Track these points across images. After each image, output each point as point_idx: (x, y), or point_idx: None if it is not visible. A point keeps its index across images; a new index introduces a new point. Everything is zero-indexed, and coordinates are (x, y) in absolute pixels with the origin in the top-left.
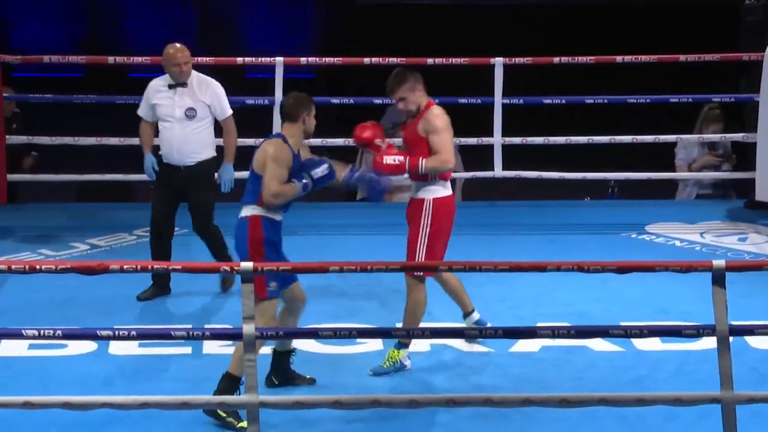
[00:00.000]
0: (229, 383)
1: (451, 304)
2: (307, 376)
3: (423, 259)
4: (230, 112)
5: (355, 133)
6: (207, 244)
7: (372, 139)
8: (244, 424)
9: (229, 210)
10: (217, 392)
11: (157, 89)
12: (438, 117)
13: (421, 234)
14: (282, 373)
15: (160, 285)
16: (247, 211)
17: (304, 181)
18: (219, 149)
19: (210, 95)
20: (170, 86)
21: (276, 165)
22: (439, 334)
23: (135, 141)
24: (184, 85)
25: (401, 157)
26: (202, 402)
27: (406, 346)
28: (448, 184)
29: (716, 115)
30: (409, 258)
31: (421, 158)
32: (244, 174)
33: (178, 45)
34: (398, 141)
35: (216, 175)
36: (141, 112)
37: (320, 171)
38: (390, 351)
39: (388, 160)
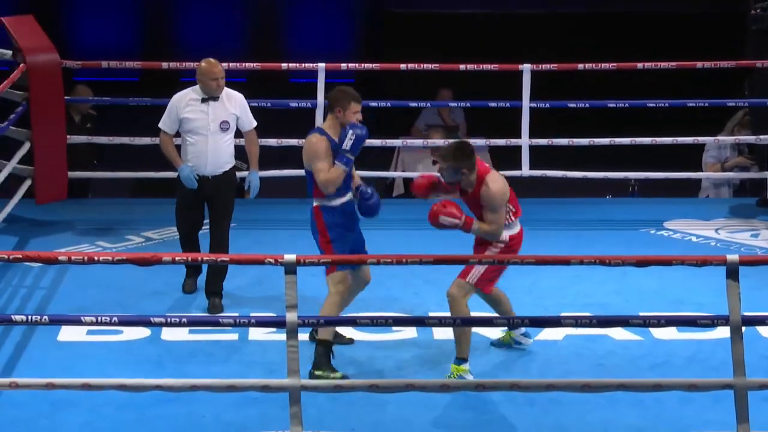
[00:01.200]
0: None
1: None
2: (346, 336)
3: (476, 279)
4: (255, 122)
5: (413, 189)
6: (215, 244)
7: (427, 195)
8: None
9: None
10: (314, 365)
11: (187, 103)
12: (496, 193)
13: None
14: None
15: (194, 274)
16: (313, 203)
17: (344, 157)
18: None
19: (239, 107)
20: (203, 100)
21: (316, 158)
22: (469, 322)
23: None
24: (216, 98)
25: (456, 220)
26: (246, 385)
27: (465, 360)
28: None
29: (749, 121)
30: (464, 272)
31: (475, 222)
32: (276, 173)
33: (212, 60)
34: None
35: (246, 181)
36: (165, 125)
37: (350, 139)
38: (452, 367)
39: (444, 220)
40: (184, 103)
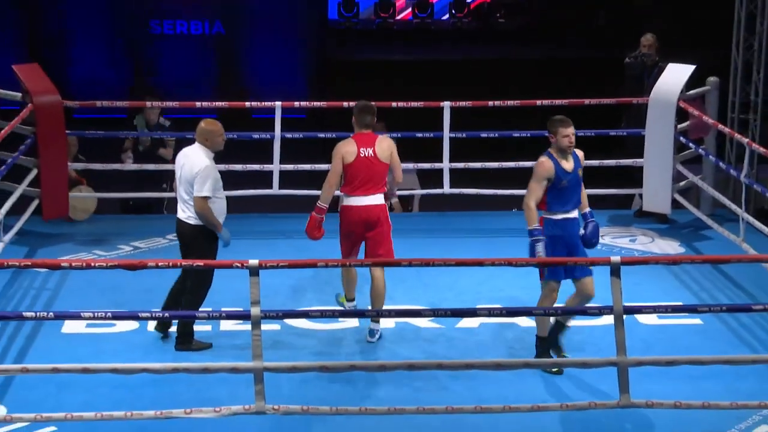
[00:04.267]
0: (543, 343)
1: (411, 290)
2: (563, 351)
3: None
4: None
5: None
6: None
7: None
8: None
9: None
10: (537, 355)
11: (212, 164)
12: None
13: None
14: (550, 340)
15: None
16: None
17: (538, 233)
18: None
19: None
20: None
21: (533, 177)
22: (402, 314)
23: (168, 167)
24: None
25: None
26: (218, 368)
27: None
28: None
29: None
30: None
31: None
32: (240, 192)
33: (210, 119)
34: None
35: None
36: (210, 192)
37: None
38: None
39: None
40: (212, 165)
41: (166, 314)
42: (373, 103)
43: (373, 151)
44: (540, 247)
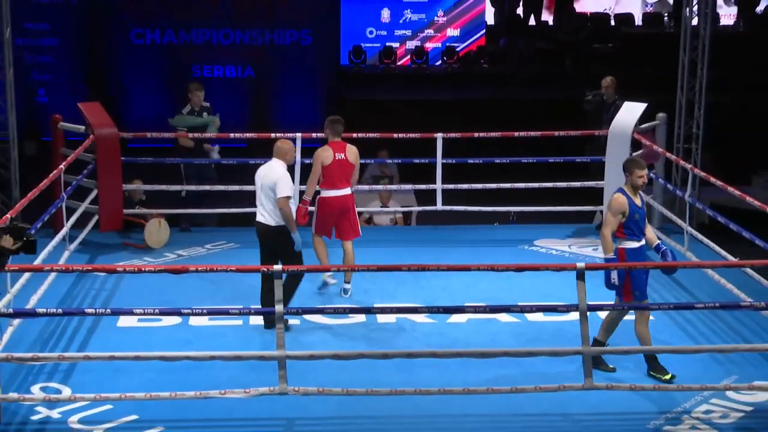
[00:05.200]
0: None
1: (410, 291)
2: (610, 365)
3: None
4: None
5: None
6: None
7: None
8: (668, 375)
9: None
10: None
11: (287, 173)
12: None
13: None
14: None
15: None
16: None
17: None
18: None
19: None
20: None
21: (608, 211)
22: (401, 311)
23: (204, 187)
24: None
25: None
26: (248, 356)
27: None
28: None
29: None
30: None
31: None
32: None
33: (285, 140)
34: None
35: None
36: (291, 192)
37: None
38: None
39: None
40: (288, 174)
41: (205, 310)
42: (378, 134)
43: (345, 156)
44: (614, 275)
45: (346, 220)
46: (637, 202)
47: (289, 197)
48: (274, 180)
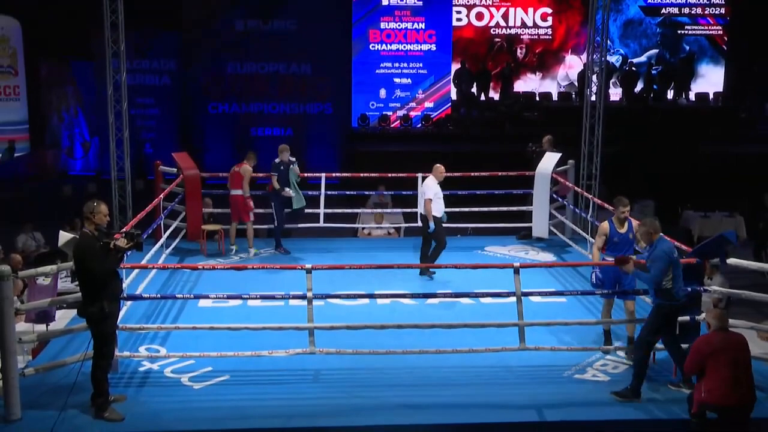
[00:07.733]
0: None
1: (400, 282)
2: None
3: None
4: None
5: None
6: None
7: None
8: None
9: None
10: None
11: (435, 185)
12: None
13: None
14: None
15: None
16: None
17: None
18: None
19: None
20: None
21: (597, 234)
22: (393, 296)
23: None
24: None
25: None
26: (288, 326)
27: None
28: None
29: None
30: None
31: None
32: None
33: (438, 165)
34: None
35: None
36: (432, 196)
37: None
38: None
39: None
40: (436, 185)
41: (258, 295)
42: (378, 174)
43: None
44: (593, 278)
45: None
46: (620, 229)
47: (429, 200)
48: (424, 188)
